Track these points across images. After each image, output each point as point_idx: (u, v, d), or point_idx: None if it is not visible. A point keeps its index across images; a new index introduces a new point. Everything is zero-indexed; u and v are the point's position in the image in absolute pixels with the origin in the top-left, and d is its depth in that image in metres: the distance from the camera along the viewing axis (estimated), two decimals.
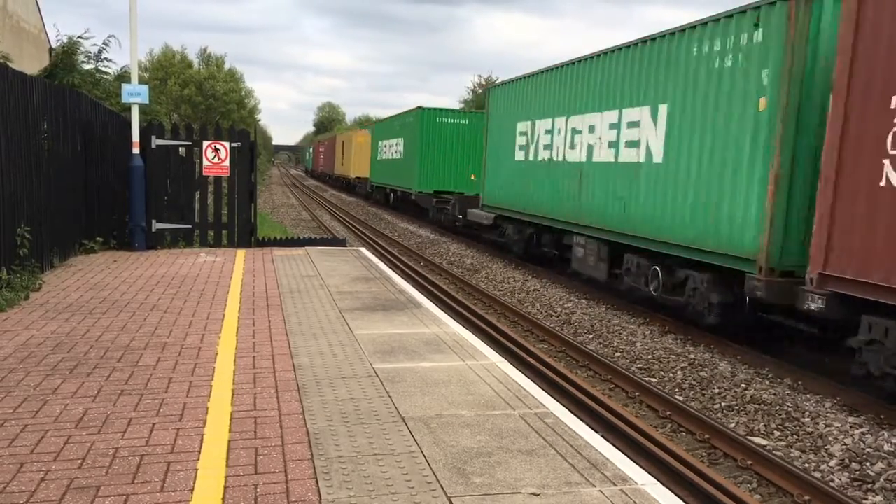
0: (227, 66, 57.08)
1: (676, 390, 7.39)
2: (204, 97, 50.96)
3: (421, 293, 8.13)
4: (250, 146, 10.89)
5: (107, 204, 10.24)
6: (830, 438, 6.12)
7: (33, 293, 6.81)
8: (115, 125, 10.93)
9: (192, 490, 3.01)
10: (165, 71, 52.08)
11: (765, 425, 6.44)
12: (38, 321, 5.78)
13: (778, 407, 6.81)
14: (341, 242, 12.01)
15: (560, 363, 8.06)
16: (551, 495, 3.09)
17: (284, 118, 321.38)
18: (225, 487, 3.05)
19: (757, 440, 6.06)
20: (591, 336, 9.50)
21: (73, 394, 4.12)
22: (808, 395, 7.17)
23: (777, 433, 6.29)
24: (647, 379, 7.60)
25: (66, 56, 14.03)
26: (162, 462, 3.27)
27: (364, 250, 11.22)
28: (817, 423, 6.44)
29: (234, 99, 53.89)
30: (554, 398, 4.68)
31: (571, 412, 4.67)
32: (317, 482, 3.12)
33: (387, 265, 10.71)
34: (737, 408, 6.85)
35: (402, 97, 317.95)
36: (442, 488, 3.11)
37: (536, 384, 4.87)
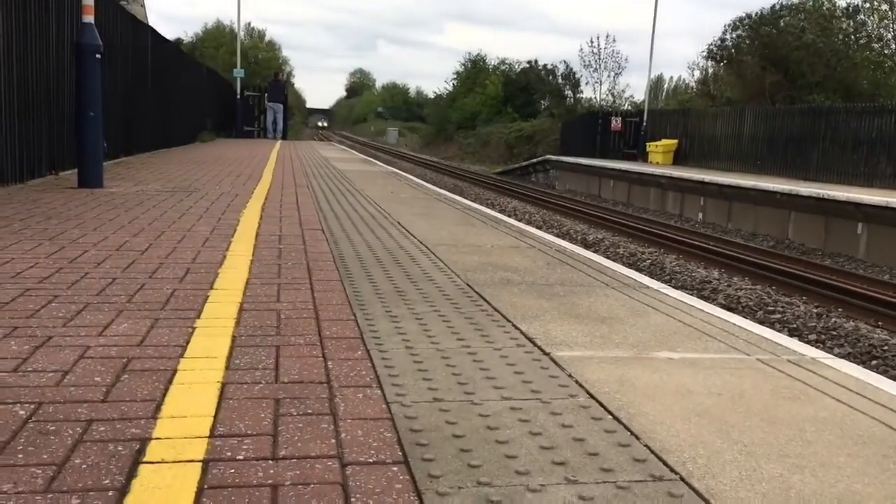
0: (267, 38, 68.80)
1: None
2: (248, 64, 62.73)
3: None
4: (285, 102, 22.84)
5: (230, 120, 22.21)
6: None
7: (204, 143, 18.44)
8: (223, 86, 22.77)
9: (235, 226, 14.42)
10: (217, 41, 63.87)
11: None
12: (220, 146, 17.35)
13: None
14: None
15: None
16: None
17: (319, 80, 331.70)
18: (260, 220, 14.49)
19: None
20: None
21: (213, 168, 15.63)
22: None
23: None
24: None
25: None
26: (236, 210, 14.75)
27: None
28: None
29: (273, 66, 65.64)
30: None
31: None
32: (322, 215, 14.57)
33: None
34: None
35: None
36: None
37: None
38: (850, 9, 25.08)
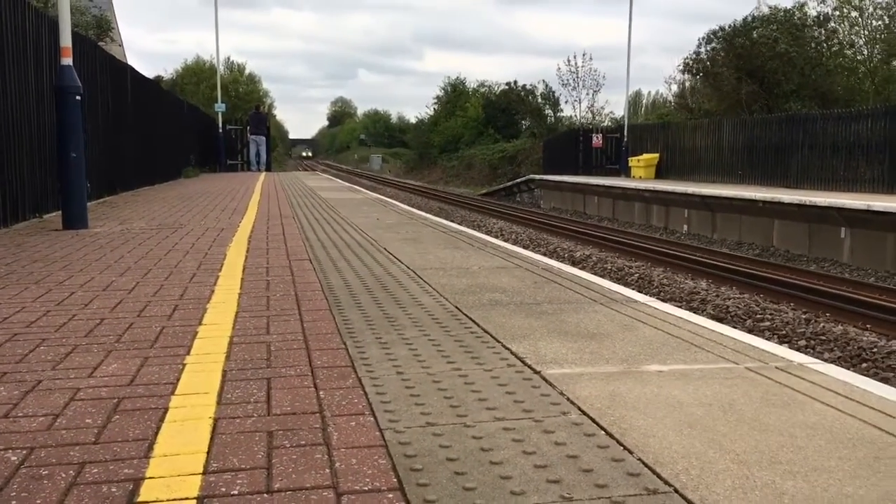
0: (247, 71, 69.21)
1: None
2: (229, 97, 62.94)
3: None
4: (267, 133, 22.84)
5: (213, 154, 22.23)
6: None
7: (186, 179, 18.45)
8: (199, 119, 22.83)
9: (219, 267, 14.50)
10: (197, 76, 64.12)
11: None
12: (199, 181, 17.36)
13: None
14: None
15: None
16: None
17: (300, 111, 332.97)
18: (245, 257, 14.54)
19: None
20: None
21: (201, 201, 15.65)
22: None
23: None
24: None
25: None
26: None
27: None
28: None
29: (254, 98, 65.96)
30: None
31: None
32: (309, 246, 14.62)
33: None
34: None
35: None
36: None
37: None
38: (821, 17, 25.51)
